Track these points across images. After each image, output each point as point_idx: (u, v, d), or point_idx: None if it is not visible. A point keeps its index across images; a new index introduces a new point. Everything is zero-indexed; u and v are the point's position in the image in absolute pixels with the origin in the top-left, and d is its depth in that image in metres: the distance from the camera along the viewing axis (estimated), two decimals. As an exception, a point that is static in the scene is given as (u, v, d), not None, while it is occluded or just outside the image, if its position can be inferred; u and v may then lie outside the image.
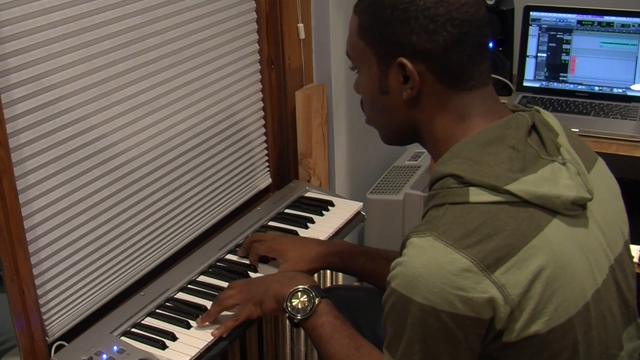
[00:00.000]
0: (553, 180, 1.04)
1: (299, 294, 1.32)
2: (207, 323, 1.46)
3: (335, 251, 1.55)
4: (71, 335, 1.51)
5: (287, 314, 1.32)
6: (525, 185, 1.02)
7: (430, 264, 0.98)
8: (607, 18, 2.10)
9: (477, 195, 1.01)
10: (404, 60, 1.08)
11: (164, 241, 1.75)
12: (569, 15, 2.14)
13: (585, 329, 1.05)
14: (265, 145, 2.07)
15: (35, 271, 1.43)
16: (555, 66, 2.17)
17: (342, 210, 1.90)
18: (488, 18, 1.11)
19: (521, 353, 1.01)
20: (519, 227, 1.00)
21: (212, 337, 1.43)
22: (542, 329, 1.00)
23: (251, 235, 1.74)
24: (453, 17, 1.06)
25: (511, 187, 1.01)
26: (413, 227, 1.04)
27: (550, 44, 2.17)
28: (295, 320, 1.31)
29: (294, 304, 1.32)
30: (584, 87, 2.16)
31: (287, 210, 1.90)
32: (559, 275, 1.01)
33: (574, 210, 1.05)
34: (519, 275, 0.98)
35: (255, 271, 1.65)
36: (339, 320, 1.29)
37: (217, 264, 1.69)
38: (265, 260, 1.64)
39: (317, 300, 1.30)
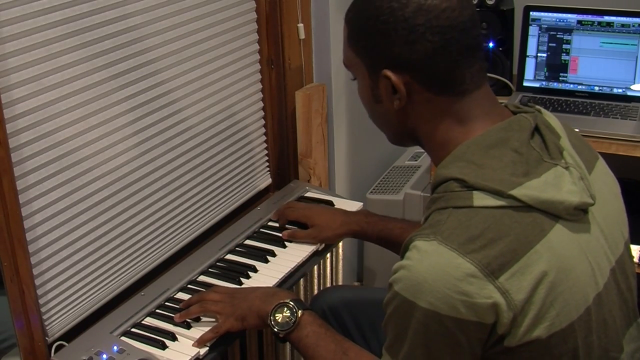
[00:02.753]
0: (557, 185, 1.03)
1: (281, 308, 1.34)
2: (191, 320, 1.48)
3: (359, 218, 1.69)
4: (71, 335, 1.51)
5: (272, 330, 1.34)
6: (530, 190, 1.01)
7: (434, 268, 0.97)
8: (607, 18, 2.10)
9: (481, 199, 1.01)
10: (388, 73, 1.07)
11: (164, 241, 1.75)
12: (569, 15, 2.14)
13: (585, 333, 1.04)
14: (265, 145, 2.07)
15: (35, 271, 1.43)
16: (555, 66, 2.17)
17: (342, 210, 1.90)
18: (477, 17, 1.08)
19: (521, 357, 1.01)
20: (523, 232, 0.99)
21: (212, 336, 1.43)
22: (543, 334, 1.00)
23: (286, 203, 1.85)
24: (433, 25, 1.04)
25: (515, 192, 1.00)
26: (416, 230, 1.03)
27: (550, 44, 2.17)
28: (281, 335, 1.33)
29: (277, 319, 1.34)
30: (584, 87, 2.16)
31: (287, 210, 1.90)
32: (562, 280, 1.00)
33: (577, 215, 1.05)
34: (523, 281, 0.98)
35: (256, 271, 1.65)
36: (322, 328, 1.31)
37: (217, 264, 1.69)
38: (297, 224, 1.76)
39: (299, 313, 1.32)
